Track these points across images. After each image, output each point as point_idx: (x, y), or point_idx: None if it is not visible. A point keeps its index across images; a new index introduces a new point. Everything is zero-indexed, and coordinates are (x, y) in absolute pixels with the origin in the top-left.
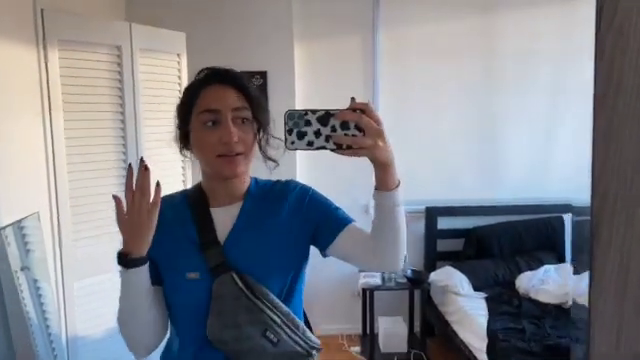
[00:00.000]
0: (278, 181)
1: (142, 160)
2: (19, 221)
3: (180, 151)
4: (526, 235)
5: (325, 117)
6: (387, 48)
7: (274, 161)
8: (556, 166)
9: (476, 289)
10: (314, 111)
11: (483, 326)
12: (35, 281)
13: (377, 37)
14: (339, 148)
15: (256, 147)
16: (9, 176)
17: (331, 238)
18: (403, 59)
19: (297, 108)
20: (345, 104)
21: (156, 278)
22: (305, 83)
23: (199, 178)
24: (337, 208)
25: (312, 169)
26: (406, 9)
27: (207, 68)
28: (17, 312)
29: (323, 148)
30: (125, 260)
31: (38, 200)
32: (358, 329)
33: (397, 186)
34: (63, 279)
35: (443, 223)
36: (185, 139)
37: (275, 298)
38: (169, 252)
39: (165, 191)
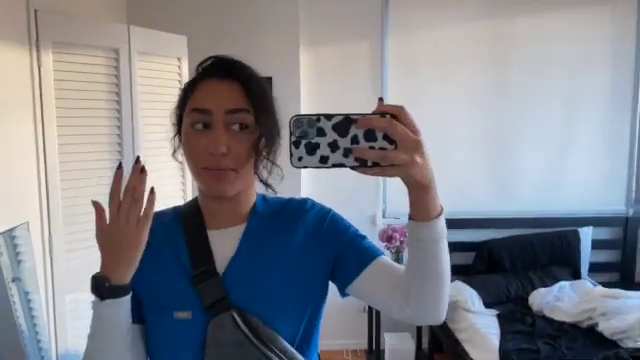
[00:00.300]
0: (291, 199)
1: (138, 159)
2: (10, 230)
3: (172, 153)
4: (539, 249)
5: (344, 124)
6: (396, 54)
7: (272, 189)
8: (571, 177)
9: (487, 305)
10: (329, 116)
11: (495, 345)
12: (26, 293)
13: (386, 42)
14: (362, 165)
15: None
16: None
17: (353, 275)
18: (412, 65)
19: (306, 113)
20: (354, 111)
21: (137, 315)
22: (311, 89)
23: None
24: (363, 237)
25: (315, 176)
26: (416, 14)
27: (213, 56)
28: (10, 325)
29: (341, 165)
30: (102, 288)
31: (27, 210)
32: (364, 344)
33: (439, 214)
34: (54, 292)
35: (453, 236)
36: (179, 138)
37: (287, 345)
38: (154, 283)
39: (162, 207)
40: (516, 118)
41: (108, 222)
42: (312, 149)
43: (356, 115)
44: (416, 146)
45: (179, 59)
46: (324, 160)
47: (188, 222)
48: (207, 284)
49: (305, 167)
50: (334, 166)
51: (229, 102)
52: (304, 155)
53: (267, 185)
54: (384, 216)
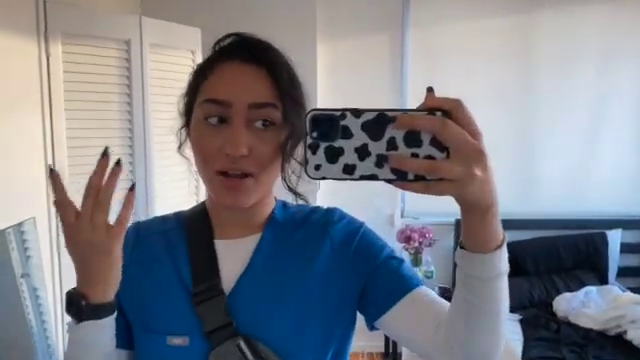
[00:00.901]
0: (317, 208)
1: (106, 151)
2: (20, 224)
3: (178, 148)
4: (564, 252)
5: (377, 123)
6: (417, 48)
7: (305, 199)
8: (598, 178)
9: (510, 310)
10: (357, 112)
11: (518, 353)
12: (35, 289)
13: (406, 37)
14: (401, 178)
15: (278, 168)
16: (4, 178)
17: (384, 308)
18: (433, 60)
19: (326, 107)
20: (374, 107)
21: (125, 338)
22: (328, 85)
23: None
24: (399, 260)
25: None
26: (438, 6)
27: (235, 34)
28: (20, 321)
29: (372, 178)
30: (78, 307)
31: (34, 205)
32: (381, 347)
33: (501, 244)
34: (61, 288)
35: None
36: (187, 131)
37: None
38: (145, 300)
39: (175, 208)
40: (541, 115)
41: (73, 226)
42: (334, 155)
43: (394, 112)
44: (477, 155)
45: (192, 52)
46: (349, 170)
47: (193, 230)
48: (210, 305)
49: (324, 178)
50: (362, 178)
51: (254, 94)
52: (323, 162)
53: (297, 194)
54: (402, 216)
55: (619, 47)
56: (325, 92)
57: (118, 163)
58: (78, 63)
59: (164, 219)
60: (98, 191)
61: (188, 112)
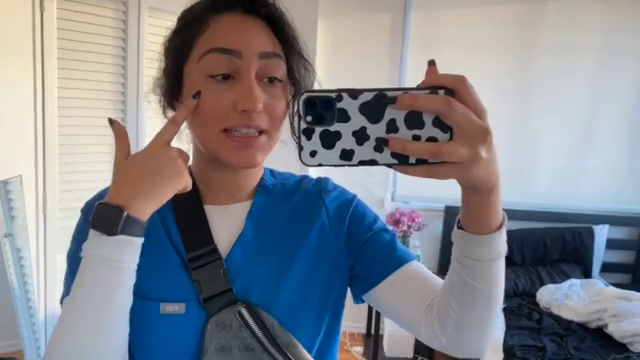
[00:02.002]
0: (307, 176)
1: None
2: (4, 182)
3: (163, 110)
4: (551, 244)
5: (376, 104)
6: (418, 32)
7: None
8: (590, 172)
9: None
10: (354, 93)
11: (499, 340)
12: (18, 250)
13: (408, 19)
14: (402, 163)
15: (285, 125)
16: None
17: (374, 281)
18: (434, 45)
19: (322, 89)
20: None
21: None
22: (327, 63)
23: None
24: (391, 234)
25: None
26: None
27: None
28: (2, 282)
29: (372, 163)
30: (115, 217)
31: (22, 162)
32: (362, 328)
33: (501, 225)
34: (45, 250)
35: None
36: (172, 93)
37: (305, 353)
38: (137, 269)
39: None
40: (537, 107)
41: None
42: (330, 140)
43: (394, 91)
44: (482, 135)
45: None
46: (347, 155)
47: (179, 196)
48: (206, 270)
49: (320, 165)
50: (361, 164)
51: (264, 43)
52: (319, 148)
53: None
54: (393, 199)
55: (619, 42)
56: (323, 71)
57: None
58: (73, 21)
59: None
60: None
61: (176, 73)
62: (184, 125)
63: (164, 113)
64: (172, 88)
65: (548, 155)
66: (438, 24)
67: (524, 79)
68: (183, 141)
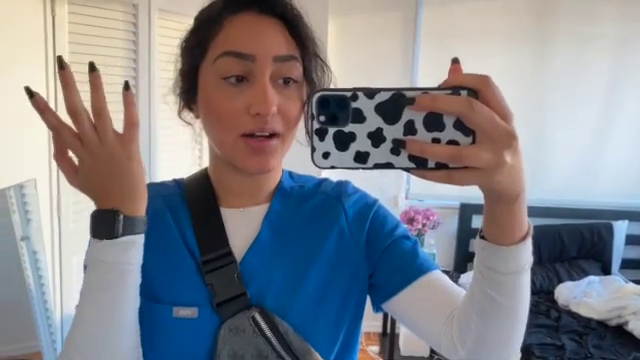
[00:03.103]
0: (326, 179)
1: (60, 58)
2: (20, 185)
3: (179, 112)
4: (569, 241)
5: (394, 105)
6: (429, 28)
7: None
8: (607, 167)
9: None
10: (370, 92)
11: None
12: (34, 253)
13: (420, 14)
14: (421, 166)
15: (300, 127)
16: (4, 137)
17: (393, 290)
18: (446, 40)
19: (334, 87)
20: (383, 85)
21: None
22: (338, 63)
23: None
24: (413, 241)
25: None
26: None
27: None
28: (20, 284)
29: (387, 166)
30: (113, 221)
31: (35, 166)
32: (378, 327)
33: (526, 235)
34: (61, 253)
35: (478, 221)
36: (189, 94)
37: None
38: (150, 267)
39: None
40: (553, 100)
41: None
42: (344, 141)
43: (413, 91)
44: (508, 139)
45: None
46: (362, 158)
47: (195, 197)
48: (221, 274)
49: (333, 167)
50: (377, 167)
51: (277, 46)
52: (332, 150)
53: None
54: (407, 197)
55: (636, 33)
56: (335, 69)
57: (93, 70)
58: (84, 25)
59: (162, 184)
60: (92, 107)
61: (192, 74)
62: (201, 126)
63: (179, 114)
64: (188, 89)
65: (564, 149)
66: (450, 18)
67: (539, 72)
68: (203, 144)
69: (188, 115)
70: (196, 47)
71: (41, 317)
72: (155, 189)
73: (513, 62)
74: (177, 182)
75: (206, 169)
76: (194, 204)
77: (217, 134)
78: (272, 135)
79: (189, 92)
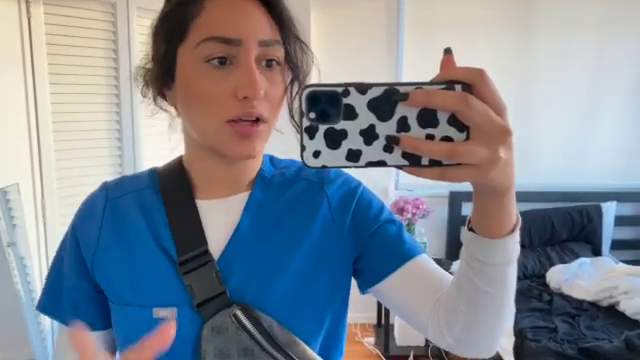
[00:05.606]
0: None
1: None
2: (3, 190)
3: (154, 98)
4: (558, 224)
5: (386, 100)
6: (413, 17)
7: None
8: (595, 148)
9: None
10: (362, 88)
11: (510, 322)
12: (22, 258)
13: (402, 5)
14: (414, 164)
15: (283, 111)
16: None
17: (380, 275)
18: (430, 28)
19: (325, 82)
20: (368, 80)
21: (102, 317)
22: (321, 55)
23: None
24: (398, 225)
25: None
26: None
27: None
28: (9, 291)
29: (380, 164)
30: None
31: (18, 170)
32: (373, 319)
33: (515, 227)
34: (47, 257)
35: (468, 209)
36: (164, 79)
37: (308, 350)
38: (126, 273)
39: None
40: (538, 84)
41: None
42: (336, 139)
43: (406, 86)
44: (502, 135)
45: None
46: (354, 156)
47: (169, 189)
48: (198, 274)
49: (324, 167)
50: (369, 165)
51: (263, 29)
52: (323, 148)
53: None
54: (396, 188)
55: (619, 15)
56: (317, 62)
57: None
58: (61, 25)
59: (136, 178)
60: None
61: (168, 58)
62: (176, 113)
63: (154, 100)
64: (162, 75)
65: (551, 133)
66: (433, 5)
67: (524, 57)
68: (177, 130)
69: (163, 103)
70: (174, 30)
71: (32, 324)
72: (126, 185)
73: (498, 48)
74: (151, 172)
75: (180, 158)
76: (169, 199)
77: (200, 120)
78: (258, 120)
79: (163, 78)
